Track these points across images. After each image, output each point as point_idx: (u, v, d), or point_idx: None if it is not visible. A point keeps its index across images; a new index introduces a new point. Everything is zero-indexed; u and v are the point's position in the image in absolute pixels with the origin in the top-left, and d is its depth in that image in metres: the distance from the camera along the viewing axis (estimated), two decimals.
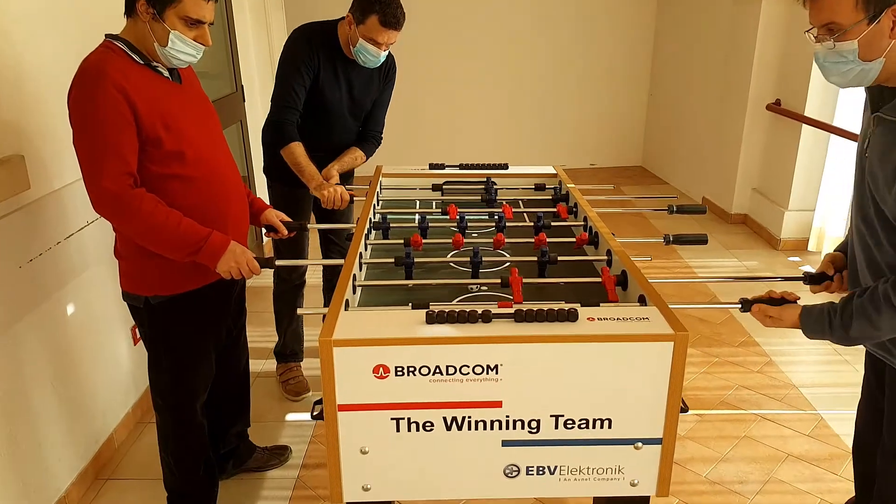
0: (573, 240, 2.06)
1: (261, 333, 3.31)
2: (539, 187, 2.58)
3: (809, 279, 1.73)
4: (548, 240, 1.98)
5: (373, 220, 2.15)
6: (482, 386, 1.40)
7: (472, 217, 2.25)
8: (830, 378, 3.06)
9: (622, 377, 1.41)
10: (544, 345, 1.38)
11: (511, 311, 1.43)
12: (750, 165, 4.73)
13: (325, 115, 2.52)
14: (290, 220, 2.13)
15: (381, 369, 1.38)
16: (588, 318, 1.43)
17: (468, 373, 1.39)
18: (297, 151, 2.39)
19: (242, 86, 4.15)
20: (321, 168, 2.46)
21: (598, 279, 1.76)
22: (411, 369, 1.38)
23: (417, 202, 2.53)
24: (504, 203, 2.33)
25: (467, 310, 1.42)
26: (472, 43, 5.90)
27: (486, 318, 1.41)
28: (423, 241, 1.98)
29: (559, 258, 1.86)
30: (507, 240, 2.00)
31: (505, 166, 2.66)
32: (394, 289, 1.81)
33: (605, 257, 1.88)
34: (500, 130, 6.21)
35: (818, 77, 4.06)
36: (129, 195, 1.62)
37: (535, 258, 1.86)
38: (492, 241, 2.02)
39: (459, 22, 5.80)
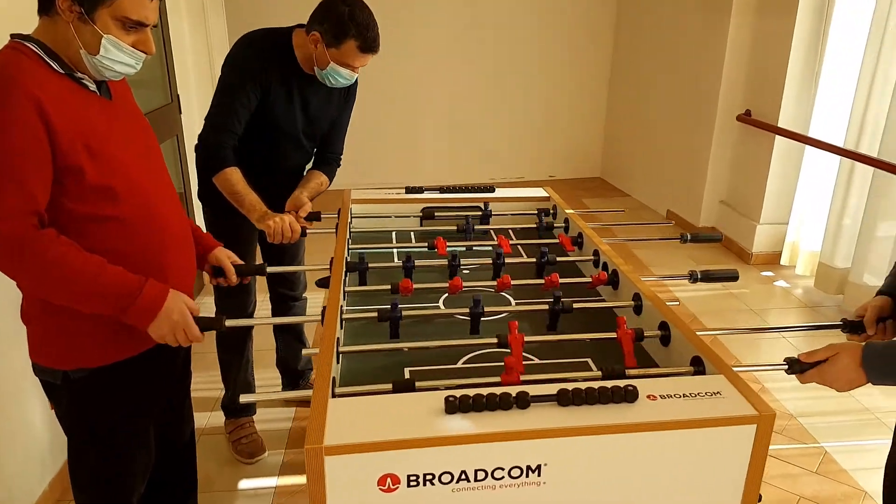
0: (585, 280, 1.76)
1: (203, 379, 2.88)
2: (544, 213, 2.26)
3: (850, 327, 1.47)
4: (560, 280, 1.68)
5: (347, 259, 1.80)
6: (521, 493, 1.08)
7: (456, 247, 1.93)
8: (829, 406, 2.87)
9: (692, 469, 1.13)
10: (600, 437, 1.07)
11: (553, 392, 1.11)
12: (718, 177, 4.58)
13: (276, 136, 2.15)
14: (241, 262, 1.76)
15: (388, 480, 1.04)
16: (648, 397, 1.13)
17: (502, 477, 1.07)
18: (233, 178, 2.00)
19: (178, 95, 3.71)
20: (275, 196, 2.08)
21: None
22: (429, 477, 1.05)
23: (394, 234, 2.19)
24: (500, 234, 2.02)
25: (497, 394, 1.10)
26: (427, 58, 5.59)
27: (523, 402, 1.09)
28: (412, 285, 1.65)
29: (575, 304, 1.56)
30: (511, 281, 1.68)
31: (491, 188, 2.35)
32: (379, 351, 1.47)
33: (632, 302, 1.59)
34: (458, 145, 5.91)
35: (792, 87, 3.93)
36: (31, 237, 1.24)
37: (547, 305, 1.55)
38: (490, 282, 1.71)
39: (413, 36, 5.48)
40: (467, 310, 1.53)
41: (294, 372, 2.72)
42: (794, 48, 3.84)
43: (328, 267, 1.77)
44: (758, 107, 4.20)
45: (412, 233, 2.20)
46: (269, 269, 1.79)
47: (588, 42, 5.81)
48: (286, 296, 2.55)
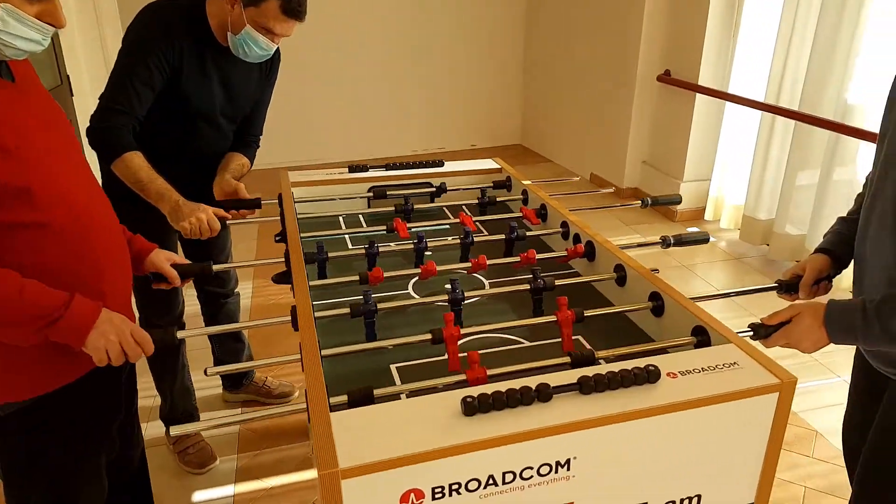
0: (556, 254, 1.69)
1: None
2: (499, 186, 2.16)
3: (784, 288, 1.46)
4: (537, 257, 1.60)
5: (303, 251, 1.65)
6: (551, 490, 1.00)
7: (418, 228, 1.81)
8: (769, 352, 2.97)
9: (715, 443, 1.08)
10: (629, 423, 1.00)
11: (574, 380, 1.03)
12: (640, 138, 4.64)
13: (191, 119, 1.93)
14: (185, 261, 1.57)
15: (412, 496, 0.93)
16: (669, 375, 1.07)
17: (531, 476, 0.99)
18: (133, 164, 1.74)
19: (69, 76, 3.35)
20: (192, 186, 1.84)
21: (611, 309, 1.40)
22: (455, 487, 0.95)
23: (342, 219, 2.04)
24: (460, 212, 1.91)
25: (517, 388, 1.01)
26: (344, 30, 5.33)
27: (546, 395, 1.01)
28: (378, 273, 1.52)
29: (556, 281, 1.48)
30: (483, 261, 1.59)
31: (440, 163, 2.24)
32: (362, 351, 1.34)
33: (614, 274, 1.53)
34: (377, 118, 5.71)
35: (711, 45, 4.00)
36: None
37: (524, 285, 1.46)
38: (463, 264, 1.61)
39: (330, 7, 5.21)
40: (445, 297, 1.42)
41: (236, 373, 2.54)
42: (712, 5, 3.90)
43: (283, 260, 1.61)
44: (677, 66, 4.27)
45: (360, 215, 2.06)
46: (216, 267, 1.61)
47: (503, 7, 5.72)
48: (216, 294, 2.34)
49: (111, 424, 1.40)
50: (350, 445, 0.93)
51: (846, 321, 1.19)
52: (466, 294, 1.42)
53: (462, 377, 1.14)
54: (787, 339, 1.24)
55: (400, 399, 1.10)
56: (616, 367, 1.06)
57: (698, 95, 4.10)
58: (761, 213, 3.79)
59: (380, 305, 1.40)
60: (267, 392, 2.57)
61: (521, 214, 1.92)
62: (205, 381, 2.65)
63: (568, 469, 1.00)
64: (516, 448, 0.96)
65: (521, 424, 0.97)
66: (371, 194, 2.11)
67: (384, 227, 1.82)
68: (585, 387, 1.02)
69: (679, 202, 2.02)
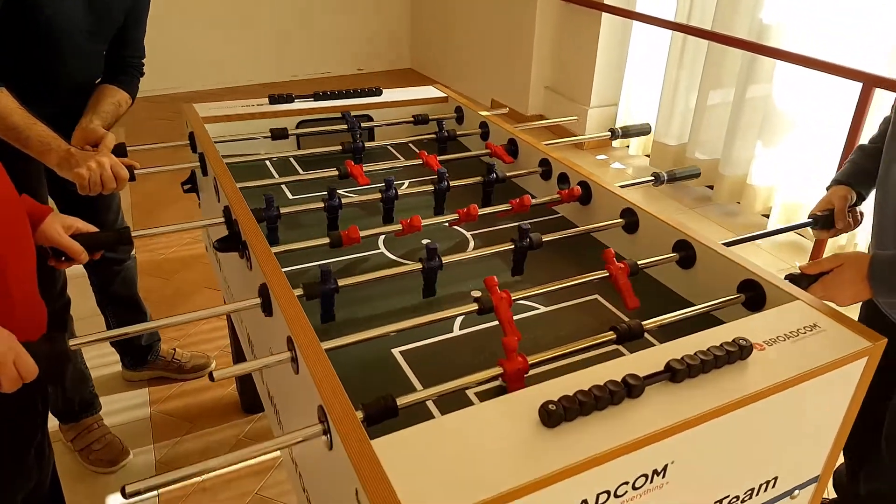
0: (549, 198, 1.46)
1: None
2: (420, 120, 1.88)
3: (821, 223, 1.38)
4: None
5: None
6: (644, 501, 0.82)
7: (377, 171, 1.53)
8: None
9: (799, 420, 0.94)
10: (730, 414, 0.83)
11: (662, 367, 0.84)
12: (543, 62, 4.46)
13: (49, 40, 1.50)
14: (90, 227, 1.20)
15: None
16: (757, 347, 0.91)
17: (625, 493, 0.79)
18: (2, 105, 1.36)
19: None
20: (57, 128, 1.43)
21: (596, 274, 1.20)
22: None
23: (269, 164, 1.70)
24: (421, 151, 1.63)
25: (604, 385, 0.80)
26: None
27: (637, 389, 0.81)
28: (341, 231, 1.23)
29: (545, 237, 1.26)
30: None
31: (377, 91, 1.92)
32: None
33: (622, 220, 1.33)
34: (251, 40, 5.11)
35: None
36: None
37: (512, 244, 1.23)
38: (446, 217, 1.35)
39: None
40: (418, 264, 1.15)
41: (138, 348, 2.16)
42: None
43: (223, 220, 1.28)
44: None
45: (291, 159, 1.73)
46: (136, 233, 1.24)
47: None
48: (109, 259, 1.94)
49: (27, 452, 1.06)
50: (414, 490, 0.68)
51: (894, 273, 1.09)
52: (448, 254, 1.17)
53: (493, 370, 0.91)
54: (825, 291, 1.12)
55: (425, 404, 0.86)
56: (690, 342, 0.88)
57: (604, 15, 3.95)
58: (671, 139, 3.77)
59: (356, 278, 1.11)
60: (178, 367, 2.21)
61: (487, 151, 1.67)
62: (98, 359, 2.24)
63: (663, 476, 0.82)
64: (612, 464, 0.76)
65: (616, 433, 0.76)
66: (301, 131, 1.77)
67: (335, 172, 1.51)
68: (678, 374, 0.83)
69: (648, 132, 1.85)
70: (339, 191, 1.36)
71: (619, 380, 0.81)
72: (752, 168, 3.27)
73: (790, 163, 3.12)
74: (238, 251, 1.19)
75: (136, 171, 1.43)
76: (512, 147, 1.68)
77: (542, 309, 1.18)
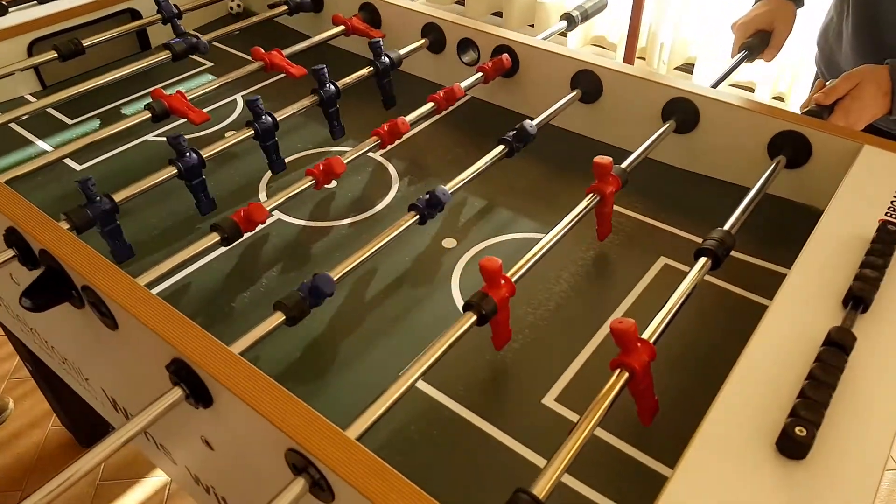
0: (473, 79, 1.08)
1: None
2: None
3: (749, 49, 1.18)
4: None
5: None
6: None
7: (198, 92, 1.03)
8: None
9: None
10: None
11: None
12: None
13: None
14: None
15: None
16: None
17: None
18: None
19: None
20: None
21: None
22: None
23: (18, 127, 1.08)
24: (255, 49, 1.12)
25: (823, 365, 0.53)
26: None
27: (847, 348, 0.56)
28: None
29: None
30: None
31: None
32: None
33: (576, 91, 1.02)
34: None
35: None
36: None
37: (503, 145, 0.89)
38: (336, 139, 0.93)
39: None
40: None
41: None
42: None
43: (12, 255, 0.74)
44: None
45: (51, 111, 1.13)
46: None
47: None
48: None
49: None
50: None
51: None
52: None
53: (617, 378, 0.61)
54: (847, 118, 0.95)
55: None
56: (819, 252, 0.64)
57: None
58: None
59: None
60: None
61: (341, 29, 1.21)
62: None
63: None
64: None
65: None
66: (54, 56, 1.14)
67: (146, 114, 0.97)
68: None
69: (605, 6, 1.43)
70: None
71: (826, 346, 0.55)
72: None
73: None
74: (74, 300, 0.68)
75: None
76: (372, 17, 1.23)
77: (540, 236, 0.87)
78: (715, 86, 1.00)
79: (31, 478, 1.52)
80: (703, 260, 0.71)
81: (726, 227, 0.74)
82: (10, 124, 1.04)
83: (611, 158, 0.80)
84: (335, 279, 0.68)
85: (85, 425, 1.56)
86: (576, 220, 0.76)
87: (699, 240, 0.74)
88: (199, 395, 0.56)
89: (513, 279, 0.66)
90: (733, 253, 0.76)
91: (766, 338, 0.58)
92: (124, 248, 0.81)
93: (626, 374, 0.58)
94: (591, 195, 0.80)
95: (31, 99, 1.18)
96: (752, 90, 2.21)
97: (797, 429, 0.49)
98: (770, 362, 0.56)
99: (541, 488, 0.48)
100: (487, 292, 0.64)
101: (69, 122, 1.12)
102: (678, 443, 0.51)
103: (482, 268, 0.64)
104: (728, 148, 0.94)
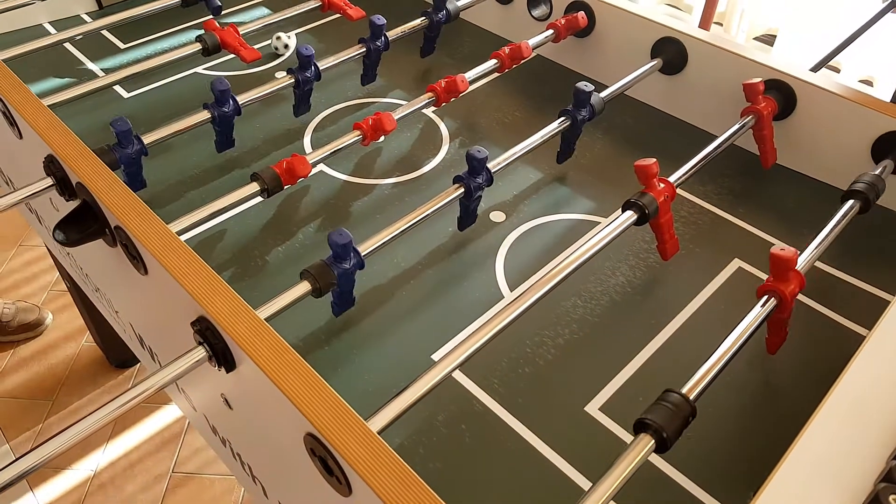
0: (544, 36, 1.02)
1: None
2: None
3: None
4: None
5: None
6: None
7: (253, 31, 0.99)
8: None
9: None
10: None
11: None
12: None
13: None
14: None
15: None
16: None
17: None
18: None
19: None
20: None
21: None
22: None
23: (72, 47, 1.05)
24: None
25: None
26: None
27: None
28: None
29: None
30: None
31: None
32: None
33: (657, 60, 0.94)
34: None
35: None
36: None
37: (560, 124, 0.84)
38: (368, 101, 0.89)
39: None
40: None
41: None
42: None
43: (50, 184, 0.72)
44: None
45: (105, 33, 1.09)
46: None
47: None
48: None
49: None
50: None
51: None
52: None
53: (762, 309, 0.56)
54: None
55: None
56: None
57: None
58: None
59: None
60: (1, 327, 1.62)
61: None
62: None
63: None
64: None
65: None
66: None
67: (196, 46, 0.94)
68: None
69: None
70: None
71: None
72: None
73: None
74: (107, 238, 0.67)
75: None
76: None
77: (599, 219, 0.81)
78: (824, 63, 0.90)
79: (63, 389, 1.56)
80: (850, 202, 0.66)
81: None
82: (64, 44, 1.02)
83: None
84: (365, 253, 0.64)
85: (115, 345, 1.59)
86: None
87: (779, 242, 0.68)
88: (222, 358, 0.54)
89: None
90: (825, 268, 0.70)
91: (860, 375, 0.50)
92: (136, 182, 0.78)
93: (774, 303, 0.57)
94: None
95: (87, 19, 1.16)
96: (870, 84, 2.07)
97: (891, 497, 0.43)
98: (863, 406, 0.48)
99: None
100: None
101: (121, 45, 1.09)
102: (743, 487, 0.46)
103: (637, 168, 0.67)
104: (825, 144, 0.85)
